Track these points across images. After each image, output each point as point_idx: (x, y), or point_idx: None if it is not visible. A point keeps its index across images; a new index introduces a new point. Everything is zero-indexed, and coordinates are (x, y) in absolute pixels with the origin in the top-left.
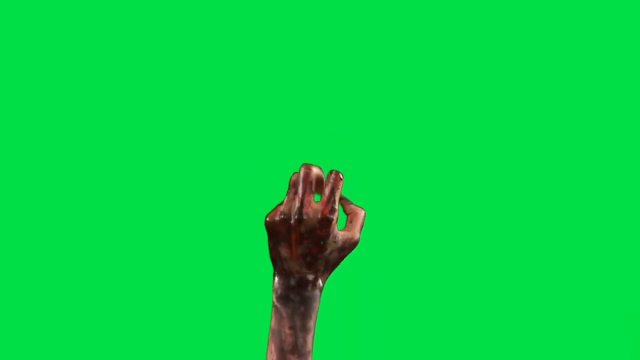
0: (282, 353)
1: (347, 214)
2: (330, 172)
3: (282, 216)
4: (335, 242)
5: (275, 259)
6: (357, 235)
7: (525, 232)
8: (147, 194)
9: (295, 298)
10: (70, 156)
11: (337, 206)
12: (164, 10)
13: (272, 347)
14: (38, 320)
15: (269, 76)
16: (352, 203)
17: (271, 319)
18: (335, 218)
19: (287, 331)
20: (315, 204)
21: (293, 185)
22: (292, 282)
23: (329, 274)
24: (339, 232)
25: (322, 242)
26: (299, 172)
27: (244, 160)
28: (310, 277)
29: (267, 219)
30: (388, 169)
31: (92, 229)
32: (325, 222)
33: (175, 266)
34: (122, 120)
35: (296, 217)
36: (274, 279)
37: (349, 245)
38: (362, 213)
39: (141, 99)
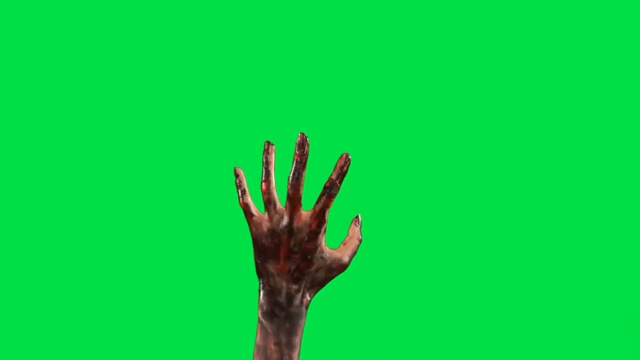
0: None
1: (348, 235)
2: (325, 186)
3: (270, 231)
4: (322, 257)
5: (262, 273)
6: (346, 259)
7: (524, 233)
8: (133, 198)
9: (281, 314)
10: (71, 156)
11: (326, 219)
12: (164, 10)
13: None
14: (31, 320)
15: (265, 76)
16: (358, 226)
17: (256, 334)
18: (322, 230)
19: (273, 347)
20: (304, 217)
21: (268, 201)
22: (279, 297)
23: (316, 292)
24: (328, 250)
25: (309, 256)
26: (264, 179)
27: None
28: (297, 293)
29: (253, 234)
30: (385, 169)
31: (83, 230)
32: (313, 235)
33: (159, 281)
34: (121, 120)
35: (287, 230)
36: (259, 294)
37: (337, 267)
38: (358, 241)
39: (140, 99)
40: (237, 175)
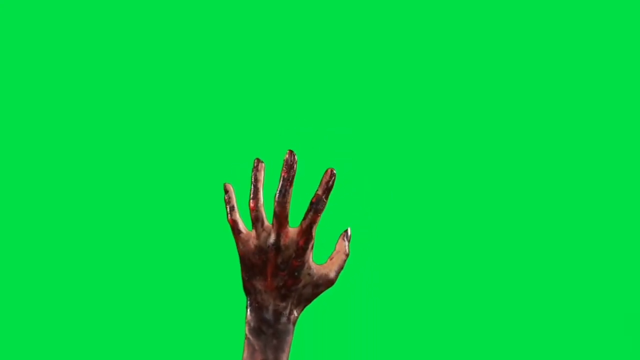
0: None
1: (335, 250)
2: (312, 202)
3: (257, 248)
4: (309, 274)
5: (250, 290)
6: (332, 275)
7: (524, 234)
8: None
9: (268, 331)
10: (73, 156)
11: (313, 235)
12: (164, 10)
13: None
14: (31, 320)
15: (261, 77)
16: (347, 241)
17: (243, 351)
18: (309, 247)
19: None
20: (291, 234)
21: (256, 218)
22: (266, 314)
23: (303, 308)
24: (315, 266)
25: (296, 273)
26: (252, 197)
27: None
28: (284, 310)
29: (241, 252)
30: (372, 183)
31: (70, 239)
32: (301, 252)
33: (147, 295)
34: (120, 120)
35: (274, 248)
36: (246, 311)
37: (324, 282)
38: (344, 256)
39: (139, 100)
40: (226, 192)
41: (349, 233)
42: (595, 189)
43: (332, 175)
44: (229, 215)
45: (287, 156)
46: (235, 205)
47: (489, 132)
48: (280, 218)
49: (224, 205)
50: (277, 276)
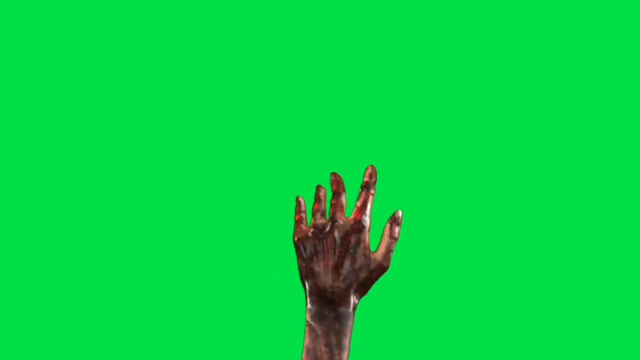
0: None
1: (382, 235)
2: (362, 185)
3: (314, 228)
4: (364, 255)
5: (308, 276)
6: (386, 262)
7: (524, 234)
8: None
9: (330, 315)
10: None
11: (368, 213)
12: (164, 10)
13: None
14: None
15: (274, 79)
16: (395, 225)
17: (304, 338)
18: (367, 225)
19: (323, 349)
20: (346, 218)
21: (316, 210)
22: (328, 296)
23: (361, 296)
24: (371, 251)
25: (351, 250)
26: (319, 188)
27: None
28: (345, 293)
29: (296, 237)
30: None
31: (92, 240)
32: (357, 227)
33: (199, 296)
34: (120, 121)
35: (331, 223)
36: (306, 298)
37: (377, 267)
38: (392, 240)
39: (139, 100)
40: (298, 203)
41: (399, 216)
42: (595, 189)
43: (374, 169)
44: (297, 214)
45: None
46: (304, 215)
47: (494, 134)
48: (337, 194)
49: (294, 209)
50: (335, 253)
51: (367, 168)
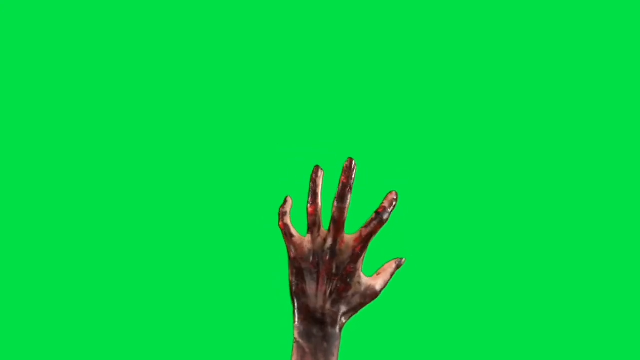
0: None
1: (382, 267)
2: (377, 212)
3: (311, 252)
4: (359, 282)
5: (298, 294)
6: (378, 287)
7: (524, 234)
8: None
9: (319, 334)
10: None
11: (367, 245)
12: (164, 10)
13: None
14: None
15: (273, 78)
16: (395, 266)
17: (292, 354)
18: (363, 255)
19: None
20: (346, 240)
21: (313, 223)
22: (316, 318)
23: (350, 317)
24: (364, 276)
25: (348, 279)
26: (312, 202)
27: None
28: (334, 315)
29: (292, 255)
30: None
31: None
32: (355, 257)
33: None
34: (118, 121)
35: (329, 251)
36: (295, 315)
37: (370, 294)
38: (390, 276)
39: (136, 99)
40: (285, 201)
41: (402, 263)
42: (595, 189)
43: (396, 195)
44: (280, 220)
45: (347, 163)
46: (288, 212)
47: (492, 133)
48: (338, 223)
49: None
50: (330, 280)
51: (390, 193)
